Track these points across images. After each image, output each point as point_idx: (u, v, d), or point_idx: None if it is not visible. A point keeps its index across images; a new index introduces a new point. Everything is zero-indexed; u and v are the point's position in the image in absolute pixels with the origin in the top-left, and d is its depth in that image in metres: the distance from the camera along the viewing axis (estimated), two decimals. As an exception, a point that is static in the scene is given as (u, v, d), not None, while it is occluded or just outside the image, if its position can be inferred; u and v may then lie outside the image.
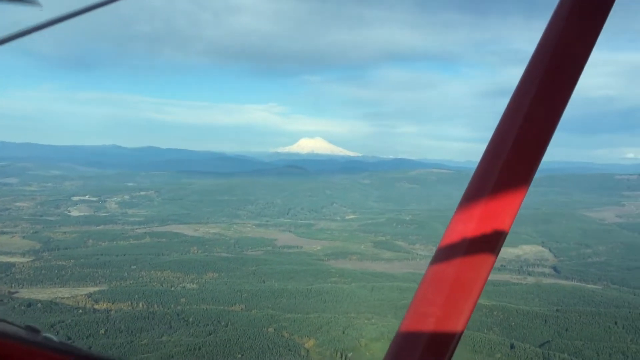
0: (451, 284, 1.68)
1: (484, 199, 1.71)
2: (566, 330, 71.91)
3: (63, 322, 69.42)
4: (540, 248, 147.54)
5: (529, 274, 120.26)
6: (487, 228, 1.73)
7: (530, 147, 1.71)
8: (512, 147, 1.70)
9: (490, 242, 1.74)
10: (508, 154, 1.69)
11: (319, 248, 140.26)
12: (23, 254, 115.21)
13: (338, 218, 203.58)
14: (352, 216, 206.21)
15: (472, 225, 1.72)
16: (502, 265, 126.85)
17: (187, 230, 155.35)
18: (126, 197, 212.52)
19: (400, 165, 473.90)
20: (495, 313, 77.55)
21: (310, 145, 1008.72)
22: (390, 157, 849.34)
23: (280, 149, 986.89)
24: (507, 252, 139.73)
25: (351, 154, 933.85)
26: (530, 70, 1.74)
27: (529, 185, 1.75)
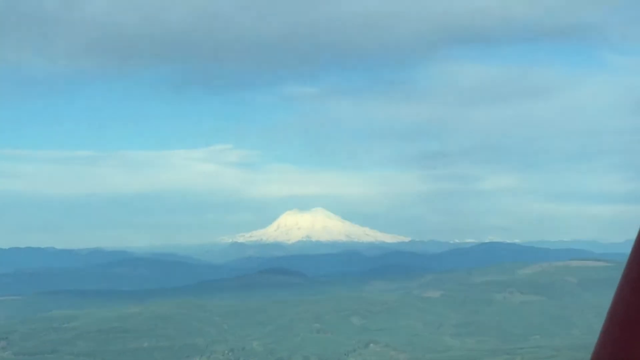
0: None
1: None
2: None
3: None
4: None
5: None
6: None
7: None
8: None
9: None
10: None
11: None
12: None
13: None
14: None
15: None
16: None
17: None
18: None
19: (495, 257, 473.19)
20: None
21: (302, 224, 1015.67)
22: (472, 241, 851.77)
23: (243, 237, 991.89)
24: None
25: (389, 238, 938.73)
26: None
27: None
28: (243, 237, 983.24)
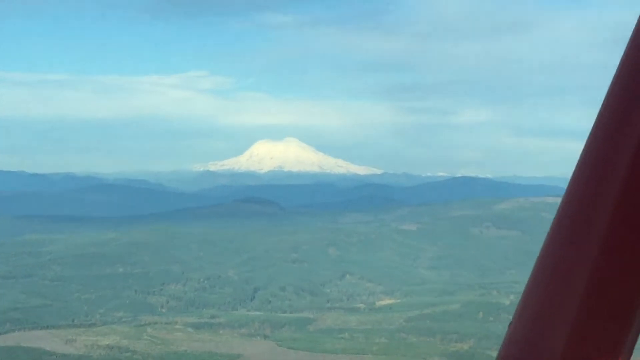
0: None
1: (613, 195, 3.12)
2: None
3: None
4: None
5: None
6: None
7: None
8: None
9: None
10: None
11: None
12: None
13: (361, 305, 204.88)
14: (389, 300, 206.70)
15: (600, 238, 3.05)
16: None
17: (50, 341, 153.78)
18: None
19: (468, 191, 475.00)
20: None
21: (275, 154, 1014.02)
22: (444, 174, 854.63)
23: (215, 165, 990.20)
24: None
25: (362, 170, 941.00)
26: None
27: None
28: (215, 166, 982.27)
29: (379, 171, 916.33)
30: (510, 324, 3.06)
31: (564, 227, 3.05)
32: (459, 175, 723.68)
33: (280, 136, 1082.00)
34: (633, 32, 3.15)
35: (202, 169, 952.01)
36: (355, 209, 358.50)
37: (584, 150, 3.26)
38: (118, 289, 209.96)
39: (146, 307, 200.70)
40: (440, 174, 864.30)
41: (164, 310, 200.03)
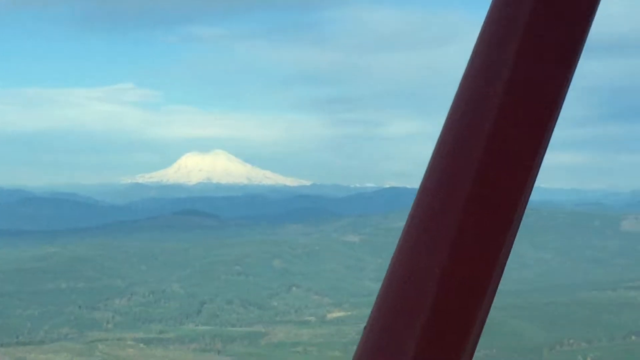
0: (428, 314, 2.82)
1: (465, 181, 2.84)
2: None
3: None
4: None
5: None
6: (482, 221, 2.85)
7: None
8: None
9: (488, 244, 2.86)
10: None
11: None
12: None
13: (310, 318, 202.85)
14: (338, 313, 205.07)
15: (452, 220, 2.80)
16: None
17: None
18: None
19: (400, 201, 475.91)
20: None
21: (203, 166, 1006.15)
22: (372, 185, 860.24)
23: (143, 177, 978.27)
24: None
25: (290, 182, 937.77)
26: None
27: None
28: (143, 178, 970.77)
29: (307, 182, 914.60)
30: (365, 328, 3.40)
31: (413, 235, 2.92)
32: (387, 186, 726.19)
33: (209, 148, 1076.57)
34: (479, 33, 3.02)
35: (130, 182, 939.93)
36: (295, 221, 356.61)
37: (433, 155, 3.04)
38: (61, 305, 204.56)
39: (92, 323, 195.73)
40: (369, 184, 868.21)
41: (110, 326, 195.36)
